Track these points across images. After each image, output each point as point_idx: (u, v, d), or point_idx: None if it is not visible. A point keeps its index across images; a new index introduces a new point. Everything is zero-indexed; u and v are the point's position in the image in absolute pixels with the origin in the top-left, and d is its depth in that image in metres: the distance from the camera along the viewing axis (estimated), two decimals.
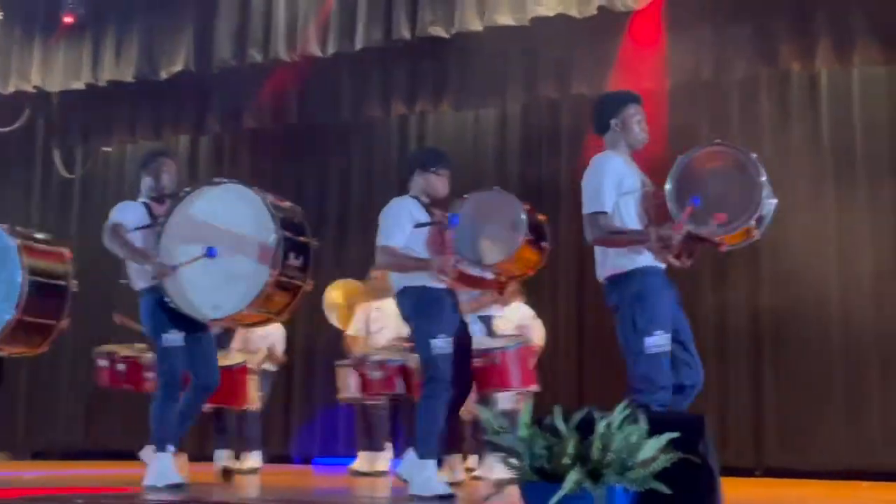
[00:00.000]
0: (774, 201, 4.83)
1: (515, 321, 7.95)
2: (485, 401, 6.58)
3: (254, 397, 8.57)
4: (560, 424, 3.41)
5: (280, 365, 9.08)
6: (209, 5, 9.46)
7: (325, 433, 10.17)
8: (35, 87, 10.20)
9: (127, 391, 8.01)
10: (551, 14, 8.37)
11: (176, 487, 5.82)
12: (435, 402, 5.38)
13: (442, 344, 5.50)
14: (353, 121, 10.30)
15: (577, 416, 3.44)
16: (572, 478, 3.26)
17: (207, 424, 8.30)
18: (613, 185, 4.90)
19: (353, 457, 8.55)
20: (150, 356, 7.51)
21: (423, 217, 5.67)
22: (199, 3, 9.49)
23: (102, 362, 7.76)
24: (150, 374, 7.48)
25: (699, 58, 8.51)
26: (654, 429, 3.46)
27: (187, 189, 6.09)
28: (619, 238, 4.88)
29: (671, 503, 3.46)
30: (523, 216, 5.57)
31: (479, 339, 7.03)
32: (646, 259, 4.85)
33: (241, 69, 9.69)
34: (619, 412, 3.45)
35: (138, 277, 6.09)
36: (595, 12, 8.27)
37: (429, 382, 5.51)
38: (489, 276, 5.86)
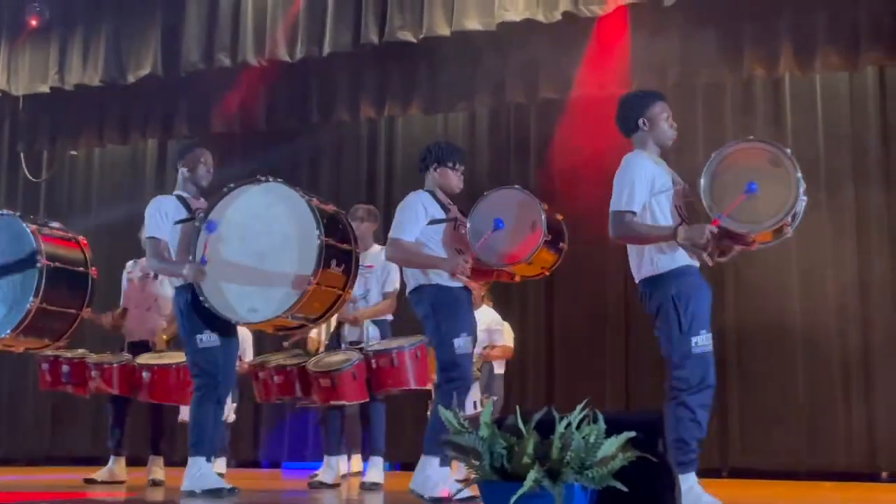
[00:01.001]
0: (806, 198, 4.76)
1: (483, 325, 7.95)
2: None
3: (228, 407, 8.52)
4: (520, 424, 3.44)
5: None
6: (177, 9, 9.45)
7: (293, 438, 10.17)
8: (0, 90, 10.15)
9: (75, 394, 7.84)
10: (518, 19, 8.42)
11: (215, 493, 5.68)
12: (457, 402, 5.24)
13: (463, 343, 5.48)
14: (322, 125, 10.31)
15: (537, 417, 3.46)
16: (532, 477, 3.27)
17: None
18: (646, 184, 4.85)
19: (314, 463, 8.60)
20: (94, 357, 7.44)
21: (437, 212, 5.61)
22: (167, 7, 9.49)
23: (45, 365, 7.54)
24: (94, 374, 7.38)
25: (664, 63, 8.55)
26: (613, 428, 3.48)
27: (231, 185, 5.87)
28: (643, 234, 4.83)
29: (629, 501, 3.49)
30: (543, 216, 5.50)
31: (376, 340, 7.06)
32: (683, 258, 4.82)
33: (209, 73, 9.69)
34: (577, 412, 3.47)
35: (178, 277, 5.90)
36: (560, 17, 8.31)
37: (450, 383, 5.47)
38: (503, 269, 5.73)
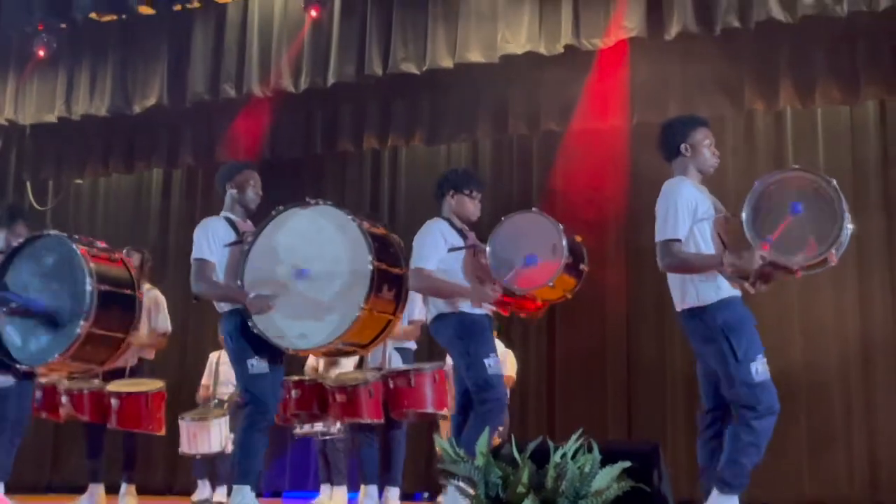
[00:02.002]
0: (852, 227, 4.71)
1: None
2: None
3: (225, 437, 8.51)
4: (515, 454, 3.46)
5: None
6: (183, 40, 9.51)
7: (294, 467, 10.17)
8: (7, 119, 10.21)
9: (49, 419, 7.85)
10: (520, 52, 8.47)
11: None
12: (491, 424, 5.15)
13: (494, 363, 5.41)
14: (326, 155, 10.36)
15: (532, 446, 3.46)
16: None
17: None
18: (688, 211, 4.78)
19: (313, 492, 8.60)
20: (66, 384, 7.36)
21: (456, 239, 5.55)
22: (174, 39, 9.54)
23: None
24: (65, 399, 7.35)
25: (664, 96, 8.58)
26: (608, 458, 3.48)
27: (279, 208, 5.78)
28: (692, 264, 4.77)
29: None
30: (564, 239, 5.45)
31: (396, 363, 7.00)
32: (727, 289, 4.76)
33: (214, 103, 9.74)
34: (572, 442, 3.48)
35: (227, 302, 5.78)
36: (562, 51, 8.36)
37: (484, 404, 5.39)
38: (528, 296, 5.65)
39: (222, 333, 5.90)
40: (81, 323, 5.95)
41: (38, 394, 7.38)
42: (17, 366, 6.24)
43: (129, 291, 6.25)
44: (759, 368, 4.70)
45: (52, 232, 6.48)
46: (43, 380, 7.33)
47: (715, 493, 4.69)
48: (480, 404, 5.42)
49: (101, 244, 6.44)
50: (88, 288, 5.95)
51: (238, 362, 5.75)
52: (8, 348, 6.21)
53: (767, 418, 4.69)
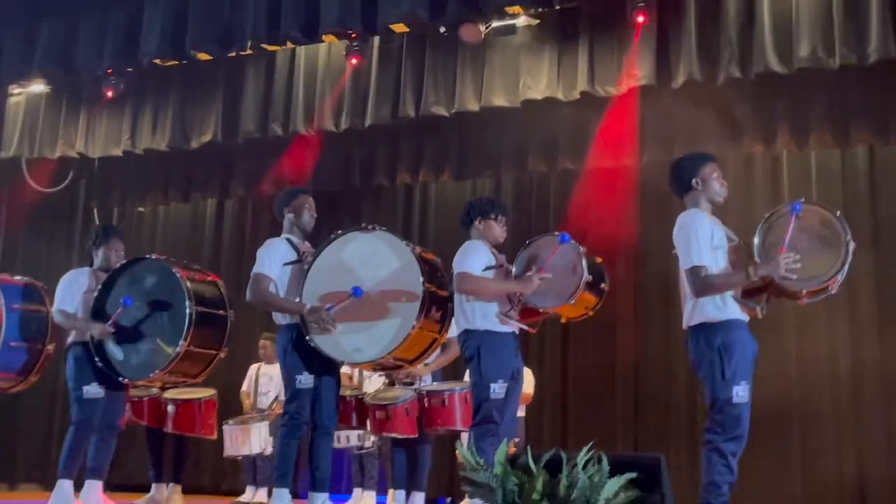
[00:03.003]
0: (851, 257, 4.69)
1: None
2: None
3: (265, 441, 8.52)
4: (531, 463, 3.44)
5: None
6: (236, 83, 9.56)
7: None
8: (79, 153, 10.27)
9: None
10: (540, 97, 8.48)
11: None
12: (483, 443, 5.13)
13: (499, 388, 5.33)
14: (364, 189, 10.38)
15: (546, 456, 3.46)
16: None
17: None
18: (706, 239, 4.78)
19: (346, 495, 8.56)
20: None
21: (491, 259, 5.50)
22: (228, 81, 9.59)
23: None
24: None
25: (671, 139, 8.58)
26: (616, 469, 3.47)
27: (339, 231, 5.82)
28: (722, 283, 4.74)
29: None
30: (584, 261, 5.42)
31: (427, 382, 6.96)
32: (734, 311, 4.76)
33: (263, 140, 9.76)
34: (584, 453, 3.47)
35: (284, 315, 5.81)
36: (578, 96, 8.37)
37: (480, 425, 5.34)
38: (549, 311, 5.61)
39: (278, 346, 5.88)
40: (181, 342, 6.02)
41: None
42: (120, 379, 6.28)
43: (222, 312, 6.35)
44: (741, 392, 4.68)
45: (153, 256, 6.55)
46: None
47: None
48: (480, 423, 5.37)
49: (196, 266, 6.55)
50: (187, 311, 6.02)
51: (289, 375, 5.76)
52: (111, 361, 6.26)
53: (736, 441, 4.69)
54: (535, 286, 5.37)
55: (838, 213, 4.75)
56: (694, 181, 4.95)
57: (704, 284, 4.74)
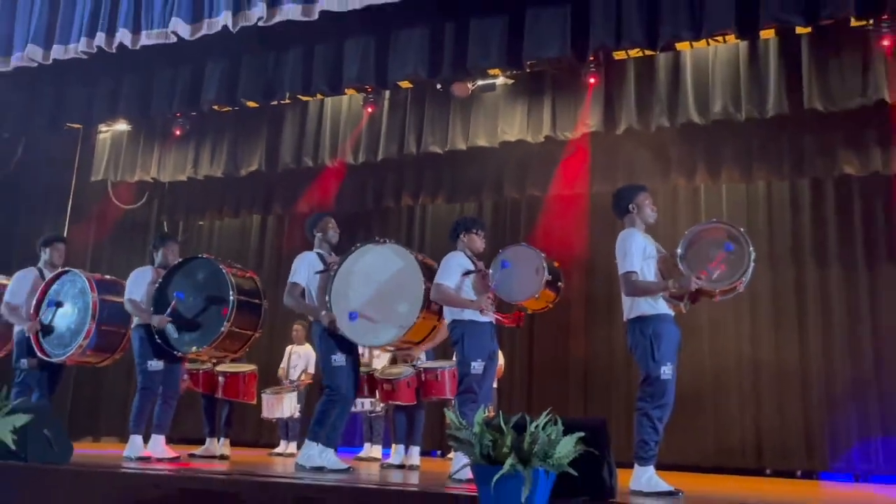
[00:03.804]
0: (754, 264, 4.70)
1: None
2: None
3: (294, 407, 8.48)
4: (502, 424, 3.40)
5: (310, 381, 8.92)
6: (277, 125, 9.53)
7: (346, 431, 10.02)
8: (153, 177, 10.24)
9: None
10: (514, 139, 8.49)
11: (319, 469, 5.43)
12: (465, 408, 5.09)
13: (478, 366, 5.29)
14: (375, 210, 10.36)
15: (514, 419, 3.42)
16: (509, 462, 3.25)
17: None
18: (639, 252, 4.79)
19: (358, 448, 8.50)
20: (186, 365, 7.12)
21: (469, 266, 5.45)
22: (271, 124, 9.56)
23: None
24: (185, 377, 7.20)
25: (614, 173, 8.59)
26: (569, 429, 3.44)
27: (357, 245, 5.79)
28: (646, 288, 4.74)
29: (577, 482, 3.45)
30: (545, 264, 5.38)
31: (422, 360, 6.93)
32: (663, 307, 4.76)
33: (298, 170, 9.73)
34: (543, 417, 3.42)
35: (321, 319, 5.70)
36: (543, 139, 8.37)
37: (464, 394, 5.29)
38: (521, 305, 5.53)
39: (314, 334, 5.84)
40: (224, 324, 6.01)
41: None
42: (175, 352, 6.25)
43: (257, 301, 6.31)
44: (667, 371, 4.68)
45: (204, 255, 6.55)
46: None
47: (636, 466, 4.67)
48: (463, 393, 5.32)
49: (237, 265, 6.51)
50: (231, 298, 5.99)
51: (324, 356, 5.73)
52: (169, 339, 6.23)
53: (663, 408, 4.68)
54: (486, 306, 5.35)
55: (742, 228, 4.78)
56: (631, 206, 4.96)
57: (633, 287, 4.77)
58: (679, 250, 4.76)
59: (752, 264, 4.66)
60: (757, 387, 8.48)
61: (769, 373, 8.45)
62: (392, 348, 6.23)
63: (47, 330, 6.55)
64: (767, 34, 7.26)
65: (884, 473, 7.74)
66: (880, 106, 7.13)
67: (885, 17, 6.69)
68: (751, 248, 4.66)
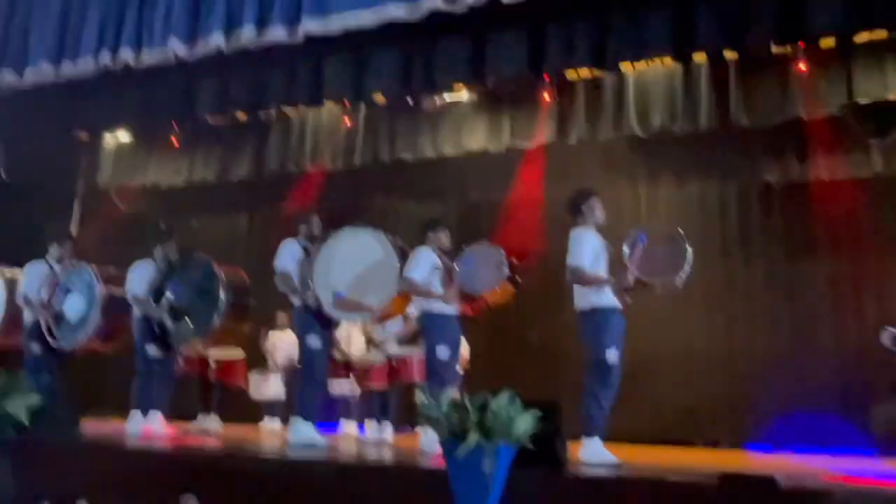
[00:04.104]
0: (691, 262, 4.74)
1: None
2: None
3: (279, 389, 8.42)
4: (467, 404, 3.45)
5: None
6: (263, 135, 9.48)
7: (326, 409, 9.94)
8: (152, 183, 10.16)
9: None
10: (477, 148, 8.56)
11: (310, 445, 5.40)
12: (436, 390, 5.11)
13: (442, 352, 5.29)
14: (352, 209, 10.21)
15: (478, 399, 3.47)
16: (473, 437, 3.29)
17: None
18: (590, 248, 4.83)
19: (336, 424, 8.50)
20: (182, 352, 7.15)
21: (437, 261, 5.46)
22: (258, 134, 9.51)
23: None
24: (181, 361, 7.17)
25: (567, 177, 8.61)
26: (526, 407, 3.49)
27: (331, 232, 5.82)
28: (589, 279, 4.77)
29: (534, 455, 3.51)
30: (505, 260, 5.41)
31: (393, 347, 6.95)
32: (610, 300, 4.80)
33: (282, 175, 9.67)
34: (504, 397, 3.48)
35: (299, 297, 5.72)
36: (504, 150, 8.42)
37: (432, 377, 5.30)
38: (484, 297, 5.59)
39: (294, 318, 5.83)
40: (215, 316, 5.97)
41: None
42: (171, 342, 6.23)
43: (245, 295, 6.34)
44: (612, 355, 4.73)
45: (200, 254, 6.47)
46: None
47: (584, 437, 4.72)
48: (431, 376, 5.33)
49: (228, 263, 6.47)
50: (222, 295, 6.00)
51: (300, 337, 5.73)
52: (167, 331, 6.20)
53: (609, 389, 4.74)
54: (451, 299, 5.36)
55: (679, 230, 4.87)
56: (584, 207, 5.01)
57: (578, 278, 4.81)
58: (625, 248, 4.82)
59: (688, 262, 4.71)
60: (689, 368, 8.56)
61: (700, 356, 8.55)
62: (375, 321, 6.28)
63: (59, 317, 6.48)
64: (700, 58, 7.37)
65: (799, 443, 7.91)
66: (797, 122, 7.29)
67: (802, 44, 6.83)
68: (686, 247, 4.72)
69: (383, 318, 6.16)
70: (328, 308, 5.60)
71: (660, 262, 4.78)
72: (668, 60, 7.50)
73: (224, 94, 7.70)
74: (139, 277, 6.39)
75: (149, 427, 6.28)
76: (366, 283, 5.57)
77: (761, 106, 7.27)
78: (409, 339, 7.02)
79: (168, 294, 6.21)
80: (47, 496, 2.69)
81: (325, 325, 5.74)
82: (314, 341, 5.62)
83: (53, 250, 6.83)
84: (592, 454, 4.67)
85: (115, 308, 6.49)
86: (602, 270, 4.85)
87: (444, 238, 5.65)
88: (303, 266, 5.76)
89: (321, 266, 5.67)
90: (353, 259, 5.63)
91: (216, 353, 7.51)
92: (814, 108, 7.09)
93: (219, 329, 6.12)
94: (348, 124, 9.09)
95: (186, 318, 6.20)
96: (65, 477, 4.46)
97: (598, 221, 5.03)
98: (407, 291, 5.50)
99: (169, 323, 6.20)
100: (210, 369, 7.54)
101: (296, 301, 5.79)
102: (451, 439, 3.38)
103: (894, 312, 7.72)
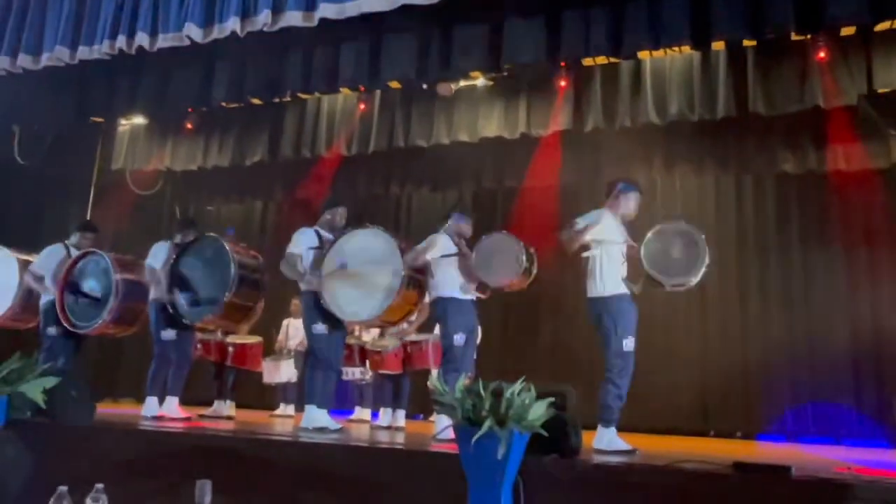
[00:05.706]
0: (706, 268, 4.69)
1: None
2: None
3: (291, 373, 8.46)
4: (481, 391, 3.45)
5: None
6: (279, 120, 9.45)
7: (338, 395, 9.94)
8: (166, 167, 10.18)
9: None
10: (492, 135, 8.46)
11: (322, 429, 5.39)
12: (451, 378, 5.10)
13: (459, 338, 5.30)
14: (367, 197, 10.31)
15: (492, 386, 3.46)
16: (487, 424, 3.28)
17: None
18: (605, 226, 4.82)
19: (350, 411, 8.52)
20: (198, 335, 7.15)
21: (451, 248, 5.45)
22: (274, 119, 9.49)
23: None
24: (198, 346, 7.24)
25: (582, 166, 8.64)
26: (540, 395, 3.48)
27: (348, 228, 5.80)
28: (576, 234, 4.76)
29: (547, 442, 3.51)
30: (523, 252, 5.40)
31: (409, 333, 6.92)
32: (622, 287, 4.78)
33: (297, 161, 9.67)
34: (518, 385, 3.47)
35: (306, 284, 5.70)
36: (519, 136, 8.37)
37: (447, 364, 5.31)
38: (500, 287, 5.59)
39: (302, 305, 5.81)
40: (227, 294, 5.94)
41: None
42: (184, 321, 6.24)
43: (258, 275, 6.24)
44: (629, 343, 4.70)
45: (211, 234, 6.50)
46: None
47: (600, 427, 4.72)
48: (446, 363, 5.33)
49: (242, 244, 6.47)
50: (233, 272, 5.94)
51: (308, 325, 5.70)
52: (179, 309, 6.22)
53: (626, 377, 4.72)
54: (470, 292, 5.34)
55: (701, 234, 4.72)
56: (620, 195, 4.99)
57: (567, 234, 4.80)
58: (643, 247, 4.77)
59: (704, 268, 4.66)
60: (702, 358, 8.58)
61: (714, 347, 8.56)
62: (373, 325, 6.26)
63: (75, 288, 6.52)
64: (718, 46, 7.30)
65: (812, 435, 7.88)
66: (816, 111, 7.21)
67: (821, 32, 6.74)
68: (706, 256, 4.65)
69: (382, 325, 6.15)
70: (333, 307, 5.61)
71: (674, 263, 4.72)
72: (685, 48, 7.45)
73: (239, 80, 7.68)
74: (158, 255, 6.45)
75: (164, 412, 6.33)
76: (370, 284, 5.57)
77: (779, 94, 7.20)
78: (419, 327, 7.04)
79: (184, 276, 6.24)
80: (64, 480, 2.71)
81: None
82: (320, 327, 5.62)
83: (74, 237, 6.87)
84: (606, 442, 4.67)
85: (132, 294, 6.53)
86: (615, 260, 4.81)
87: (464, 226, 5.62)
88: (315, 258, 5.75)
89: (329, 263, 5.69)
90: (360, 259, 5.63)
91: (234, 338, 7.56)
92: (832, 97, 7.02)
93: (231, 309, 6.11)
94: (363, 109, 9.07)
95: (199, 298, 6.22)
96: (80, 461, 4.51)
97: (628, 213, 4.99)
98: (410, 264, 5.46)
99: (183, 304, 6.23)
100: (228, 354, 7.58)
101: (303, 286, 5.80)
102: (465, 426, 3.38)
103: None
